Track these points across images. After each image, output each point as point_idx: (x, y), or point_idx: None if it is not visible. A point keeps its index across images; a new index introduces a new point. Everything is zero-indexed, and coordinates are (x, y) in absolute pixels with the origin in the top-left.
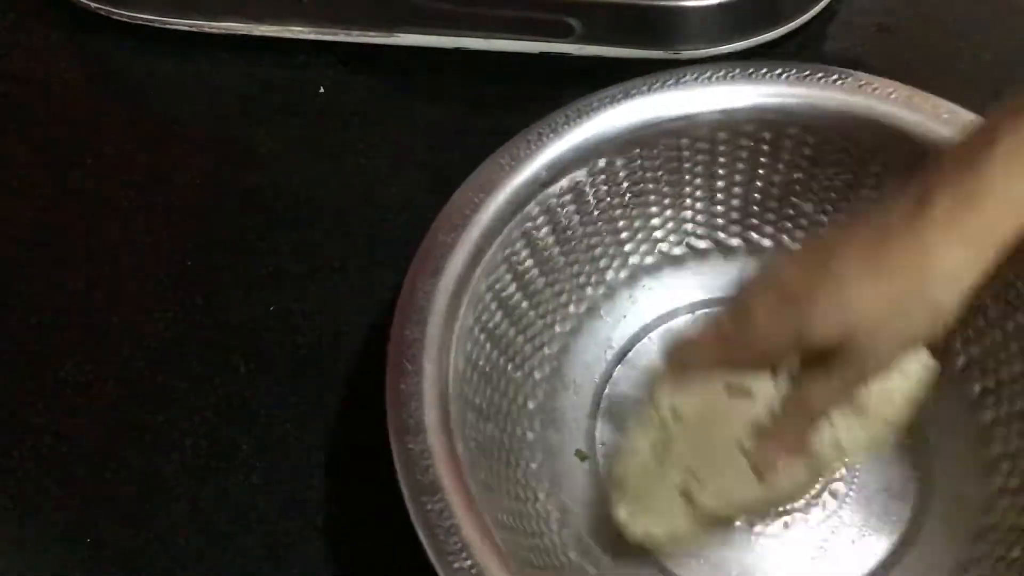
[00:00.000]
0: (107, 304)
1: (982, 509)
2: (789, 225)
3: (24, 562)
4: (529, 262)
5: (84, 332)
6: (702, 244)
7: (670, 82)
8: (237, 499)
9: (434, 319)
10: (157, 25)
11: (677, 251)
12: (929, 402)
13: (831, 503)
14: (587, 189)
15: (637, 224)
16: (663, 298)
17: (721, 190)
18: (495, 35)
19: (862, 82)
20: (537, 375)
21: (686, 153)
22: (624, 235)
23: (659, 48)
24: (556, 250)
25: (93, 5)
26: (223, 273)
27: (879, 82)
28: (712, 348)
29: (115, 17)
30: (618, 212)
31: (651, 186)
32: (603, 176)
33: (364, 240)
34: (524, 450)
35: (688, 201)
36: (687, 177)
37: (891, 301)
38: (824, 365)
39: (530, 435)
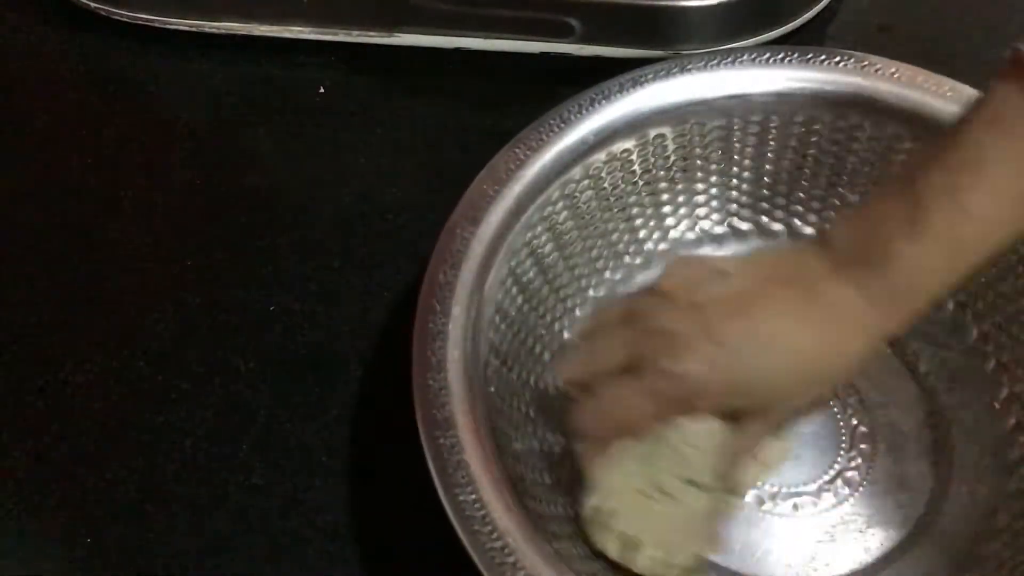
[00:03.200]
0: (107, 304)
1: (994, 512)
2: (832, 214)
3: (24, 562)
4: (569, 223)
5: (84, 332)
6: (744, 225)
7: (727, 60)
8: (237, 499)
9: (468, 265)
10: (157, 25)
11: (719, 229)
12: (955, 403)
13: (843, 491)
14: (634, 158)
15: (681, 199)
16: None
17: (769, 173)
18: (495, 35)
19: (919, 77)
20: (566, 334)
21: (737, 132)
22: (667, 208)
23: (659, 48)
24: (597, 215)
25: (93, 5)
26: (223, 273)
27: (935, 79)
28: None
29: (115, 17)
30: (663, 185)
31: (699, 162)
32: (651, 147)
33: (364, 240)
34: (544, 403)
35: (735, 181)
36: (736, 157)
37: (813, 361)
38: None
39: (551, 391)
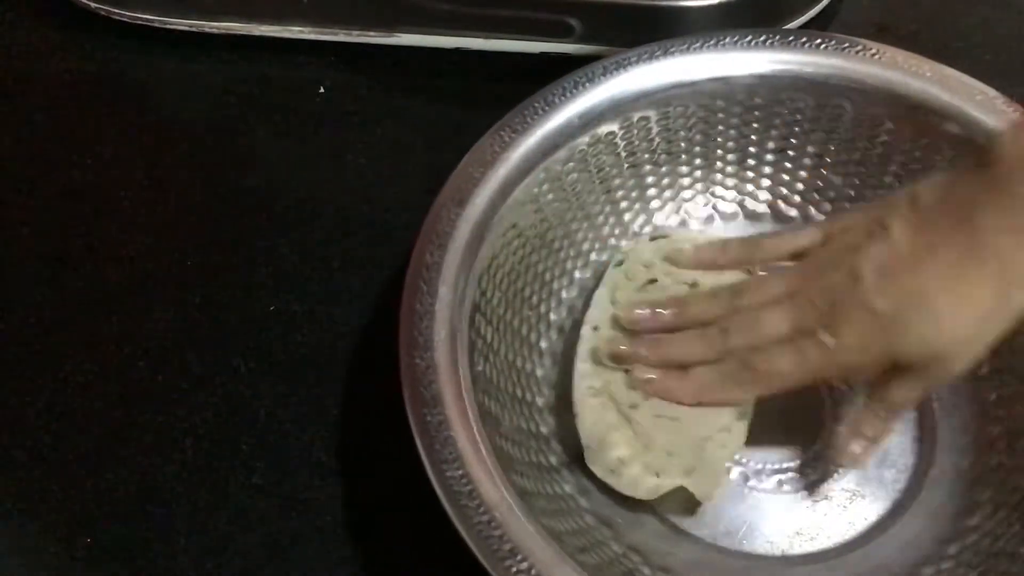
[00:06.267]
0: (107, 304)
1: (975, 485)
2: (817, 196)
3: (24, 562)
4: (554, 205)
5: (84, 332)
6: (729, 208)
7: (710, 44)
8: (237, 499)
9: (455, 245)
10: (157, 25)
11: (703, 212)
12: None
13: (827, 467)
14: (619, 141)
15: (665, 181)
16: None
17: (753, 155)
18: (495, 35)
19: (899, 58)
20: (552, 316)
21: (720, 115)
22: (651, 191)
23: None
24: (583, 198)
25: (93, 5)
26: (223, 273)
27: (917, 60)
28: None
29: (115, 17)
30: (648, 167)
31: (683, 144)
32: (636, 130)
33: (364, 240)
34: (532, 384)
35: (719, 163)
36: (719, 139)
37: (979, 320)
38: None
39: (539, 372)
